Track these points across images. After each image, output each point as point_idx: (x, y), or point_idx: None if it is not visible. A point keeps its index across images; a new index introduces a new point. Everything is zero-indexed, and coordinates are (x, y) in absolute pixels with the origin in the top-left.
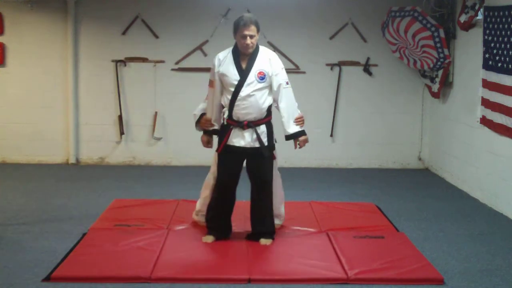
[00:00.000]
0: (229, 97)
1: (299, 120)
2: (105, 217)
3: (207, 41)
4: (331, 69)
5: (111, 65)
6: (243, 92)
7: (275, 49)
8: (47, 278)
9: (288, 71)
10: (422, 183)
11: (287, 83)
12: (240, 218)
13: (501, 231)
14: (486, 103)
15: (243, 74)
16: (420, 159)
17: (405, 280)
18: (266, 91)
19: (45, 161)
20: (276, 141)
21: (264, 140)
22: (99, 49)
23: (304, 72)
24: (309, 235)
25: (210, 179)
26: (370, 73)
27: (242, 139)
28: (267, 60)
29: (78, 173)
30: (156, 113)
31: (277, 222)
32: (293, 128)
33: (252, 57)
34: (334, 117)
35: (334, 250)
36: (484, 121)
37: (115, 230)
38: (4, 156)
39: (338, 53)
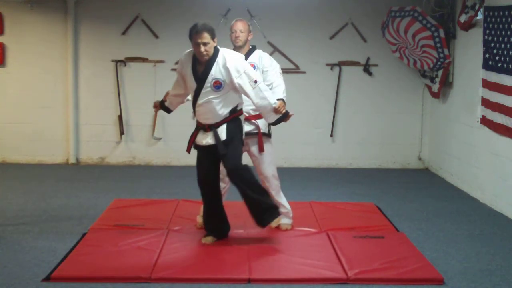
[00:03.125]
0: (192, 102)
1: (278, 111)
2: (105, 217)
3: None
4: (331, 69)
5: (111, 65)
6: (200, 100)
7: (275, 49)
8: (47, 278)
9: (288, 71)
10: (422, 183)
11: (255, 82)
12: (240, 218)
13: (501, 231)
14: (486, 103)
15: (200, 81)
16: (420, 159)
17: (405, 280)
18: (225, 97)
19: (45, 161)
20: (270, 135)
21: (222, 135)
22: (99, 49)
23: (304, 72)
24: (309, 235)
25: None
26: (370, 73)
27: (204, 139)
28: (223, 68)
29: (78, 173)
30: (156, 113)
31: (286, 221)
32: (273, 118)
33: (208, 64)
34: (334, 117)
35: (334, 250)
36: (484, 121)
37: (115, 230)
38: (4, 156)
39: (338, 53)
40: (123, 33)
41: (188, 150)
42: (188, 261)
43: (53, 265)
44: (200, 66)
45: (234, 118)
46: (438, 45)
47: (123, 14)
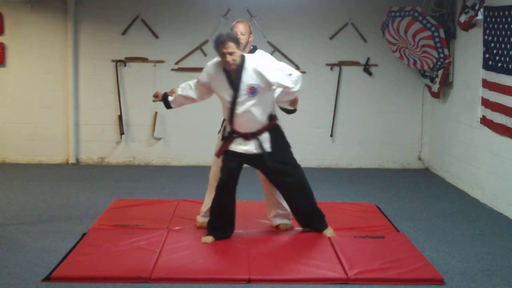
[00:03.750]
0: (227, 113)
1: (294, 102)
2: (105, 217)
3: (207, 41)
4: (331, 69)
5: (111, 65)
6: (239, 110)
7: (275, 49)
8: (47, 278)
9: None
10: (422, 183)
11: (290, 74)
12: (240, 218)
13: (501, 231)
14: (486, 103)
15: (235, 91)
16: (420, 159)
17: (405, 280)
18: (262, 101)
19: (45, 161)
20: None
21: (267, 146)
22: (99, 49)
23: (304, 72)
24: (309, 235)
25: (211, 180)
26: (370, 73)
27: (244, 146)
28: (254, 73)
29: (78, 173)
30: (156, 113)
31: (286, 221)
32: (285, 105)
33: (238, 73)
34: (334, 117)
35: (334, 250)
36: (484, 121)
37: (115, 230)
38: (4, 156)
39: (338, 53)
40: (123, 33)
41: (219, 155)
42: (188, 261)
43: (53, 265)
44: (233, 75)
45: (273, 126)
46: (438, 45)
47: (123, 14)
